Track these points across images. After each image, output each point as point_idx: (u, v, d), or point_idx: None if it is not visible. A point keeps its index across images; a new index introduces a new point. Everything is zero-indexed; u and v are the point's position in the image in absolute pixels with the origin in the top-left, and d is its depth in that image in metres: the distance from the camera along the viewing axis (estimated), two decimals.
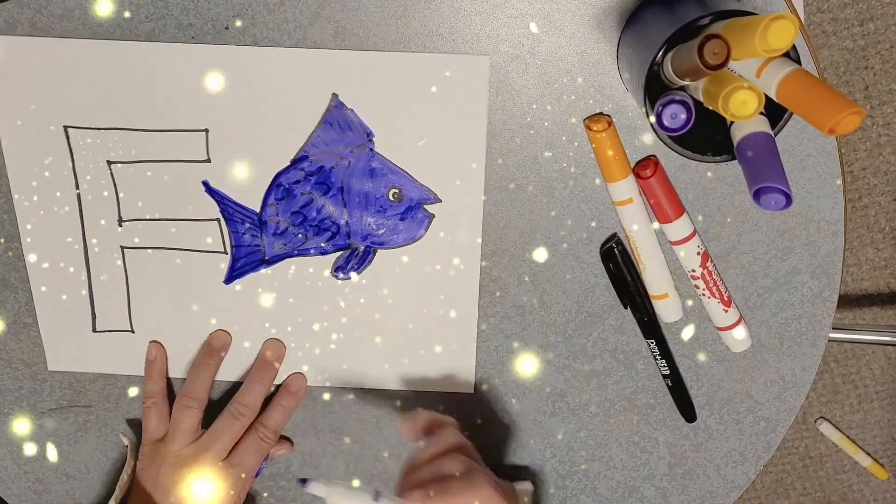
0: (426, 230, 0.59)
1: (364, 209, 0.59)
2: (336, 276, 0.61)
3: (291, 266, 0.61)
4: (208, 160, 0.58)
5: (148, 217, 0.60)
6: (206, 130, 0.57)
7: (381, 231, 0.59)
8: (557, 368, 0.63)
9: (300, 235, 0.60)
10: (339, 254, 0.60)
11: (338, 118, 0.57)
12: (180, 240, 0.60)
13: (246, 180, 0.58)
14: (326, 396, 0.64)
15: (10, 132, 0.58)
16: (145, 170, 0.58)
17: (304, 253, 0.60)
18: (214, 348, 0.62)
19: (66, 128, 0.58)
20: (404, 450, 0.65)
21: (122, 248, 0.61)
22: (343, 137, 0.57)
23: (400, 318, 0.62)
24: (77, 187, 0.59)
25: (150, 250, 0.61)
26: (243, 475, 0.61)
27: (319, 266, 0.61)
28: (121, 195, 0.59)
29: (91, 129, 0.58)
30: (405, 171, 0.58)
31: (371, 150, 0.57)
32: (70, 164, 0.59)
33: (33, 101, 0.57)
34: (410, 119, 0.56)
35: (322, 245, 0.60)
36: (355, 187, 0.58)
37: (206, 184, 0.59)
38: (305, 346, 0.63)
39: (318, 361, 0.63)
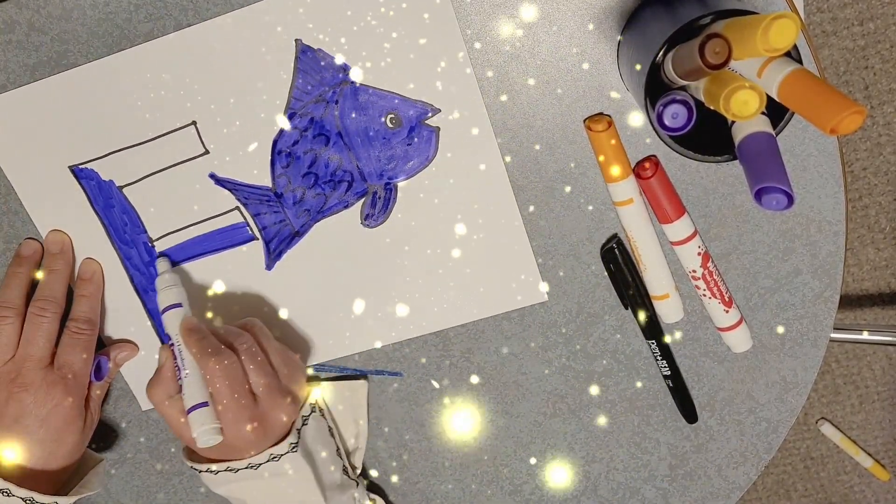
0: (436, 147, 0.57)
1: (369, 146, 0.57)
2: (367, 225, 0.59)
3: (321, 229, 0.60)
4: (206, 152, 0.58)
5: (174, 229, 0.60)
6: (194, 122, 0.57)
7: (392, 164, 0.57)
8: (558, 369, 0.63)
9: (319, 196, 0.58)
10: (361, 201, 0.59)
11: (309, 63, 0.55)
12: (211, 242, 0.60)
13: (249, 158, 0.58)
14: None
15: (23, 184, 0.59)
16: (154, 183, 0.59)
17: (328, 212, 0.59)
18: (23, 256, 0.60)
19: (71, 168, 0.58)
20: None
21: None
22: (321, 81, 0.56)
23: (445, 245, 0.59)
24: (102, 221, 0.60)
25: (187, 263, 0.61)
26: (70, 376, 0.58)
27: (348, 221, 0.59)
28: (142, 216, 0.59)
29: (93, 160, 0.58)
30: (394, 93, 0.56)
31: (352, 83, 0.56)
32: (87, 201, 0.59)
33: (31, 149, 0.58)
34: (380, 39, 0.55)
35: (343, 197, 0.58)
36: (352, 127, 0.57)
37: (213, 176, 0.58)
38: (361, 304, 0.61)
39: (388, 318, 0.62)
